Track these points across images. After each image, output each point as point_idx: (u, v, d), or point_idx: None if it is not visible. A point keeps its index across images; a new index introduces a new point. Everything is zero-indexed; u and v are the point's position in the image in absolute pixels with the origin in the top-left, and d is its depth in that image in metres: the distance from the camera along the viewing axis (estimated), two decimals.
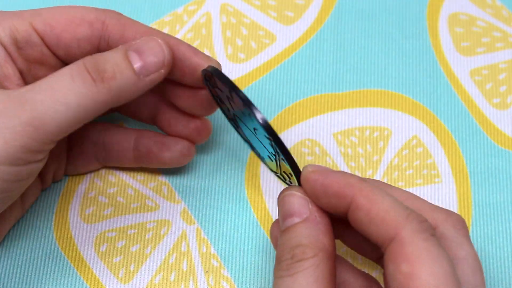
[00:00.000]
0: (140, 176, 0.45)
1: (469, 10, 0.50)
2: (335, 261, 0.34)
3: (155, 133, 0.42)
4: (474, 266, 0.33)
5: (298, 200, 0.35)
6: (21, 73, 0.38)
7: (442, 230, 0.34)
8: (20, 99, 0.34)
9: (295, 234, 0.34)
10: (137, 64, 0.36)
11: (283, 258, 0.34)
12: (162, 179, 0.45)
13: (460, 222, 0.35)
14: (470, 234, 0.43)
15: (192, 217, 0.44)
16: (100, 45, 0.38)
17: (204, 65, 0.38)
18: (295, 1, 0.51)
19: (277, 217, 0.38)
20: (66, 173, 0.44)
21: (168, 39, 0.38)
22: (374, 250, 0.38)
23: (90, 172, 0.45)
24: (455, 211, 0.44)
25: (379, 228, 0.32)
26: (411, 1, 0.51)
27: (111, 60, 0.36)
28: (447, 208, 0.44)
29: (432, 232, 0.32)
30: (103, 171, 0.45)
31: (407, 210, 0.32)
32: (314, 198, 0.35)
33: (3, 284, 0.41)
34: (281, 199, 0.36)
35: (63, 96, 0.34)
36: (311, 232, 0.34)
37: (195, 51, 0.38)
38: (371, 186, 0.33)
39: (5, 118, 0.33)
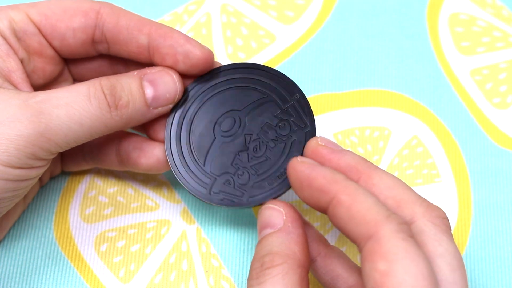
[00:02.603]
0: (140, 176, 0.45)
1: (469, 10, 0.50)
2: (307, 271, 0.34)
3: (137, 137, 0.41)
4: (452, 263, 0.33)
5: (273, 212, 0.36)
6: (22, 63, 0.39)
7: (420, 225, 0.34)
8: (37, 109, 0.35)
9: (266, 243, 0.35)
10: (149, 95, 0.38)
11: (254, 267, 0.34)
12: (162, 178, 0.45)
13: (439, 218, 0.35)
14: (470, 234, 0.43)
15: (192, 217, 0.44)
16: (95, 35, 0.39)
17: (196, 52, 0.39)
18: (295, 1, 0.51)
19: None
20: (62, 169, 0.44)
21: (160, 27, 0.39)
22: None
23: (84, 170, 0.45)
24: (455, 211, 0.44)
25: (358, 225, 0.32)
26: (411, 1, 0.51)
27: (127, 87, 0.37)
28: (446, 208, 0.44)
29: (410, 234, 0.32)
30: (103, 171, 0.45)
31: (388, 211, 0.32)
32: (298, 188, 0.35)
33: (3, 284, 0.41)
34: (259, 212, 0.37)
35: (78, 116, 0.36)
36: (282, 241, 0.34)
37: (188, 38, 0.39)
38: (356, 185, 0.33)
39: (21, 125, 0.34)
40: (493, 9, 0.50)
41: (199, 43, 0.39)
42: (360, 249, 0.32)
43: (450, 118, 0.47)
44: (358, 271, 0.37)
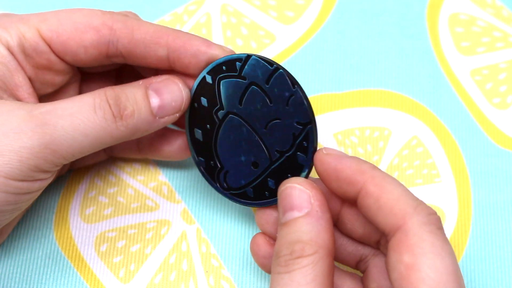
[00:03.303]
0: (140, 176, 0.45)
1: (469, 10, 0.50)
2: (334, 257, 0.34)
3: None
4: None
5: (299, 194, 0.35)
6: (29, 80, 0.38)
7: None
8: (41, 119, 0.34)
9: (295, 229, 0.34)
10: (155, 105, 0.37)
11: (282, 254, 0.33)
12: (162, 179, 0.45)
13: (432, 215, 0.35)
14: (470, 234, 0.43)
15: (192, 217, 0.44)
16: (109, 50, 0.38)
17: (220, 55, 0.38)
18: (295, 1, 0.51)
19: (259, 231, 0.38)
20: (74, 166, 0.44)
21: (177, 36, 0.38)
22: (353, 255, 0.38)
23: (97, 163, 0.45)
24: (455, 211, 0.44)
25: (387, 216, 0.32)
26: (411, 1, 0.51)
27: (132, 97, 0.37)
28: (446, 208, 0.44)
29: (439, 225, 0.32)
30: (103, 171, 0.45)
31: (416, 201, 0.33)
32: (326, 181, 0.35)
33: (3, 284, 0.41)
34: (282, 191, 0.35)
35: (83, 126, 0.35)
36: (312, 228, 0.34)
37: (209, 44, 0.38)
38: (383, 174, 0.34)
39: (25, 137, 0.34)
40: (493, 9, 0.50)
41: (220, 46, 0.38)
42: (388, 239, 0.33)
43: (450, 118, 0.47)
44: (349, 276, 0.38)
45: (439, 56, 0.49)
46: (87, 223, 0.43)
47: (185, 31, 0.49)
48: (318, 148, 0.37)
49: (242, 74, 0.38)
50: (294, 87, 0.37)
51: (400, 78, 0.48)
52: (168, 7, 0.50)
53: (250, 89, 0.38)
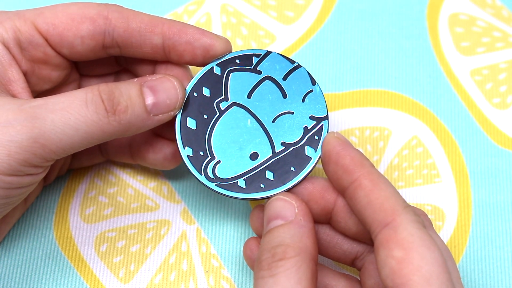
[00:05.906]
0: (140, 176, 0.45)
1: (469, 10, 0.50)
2: (317, 265, 0.34)
3: (150, 133, 0.42)
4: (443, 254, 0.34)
5: (284, 204, 0.36)
6: (25, 74, 0.38)
7: None
8: (31, 113, 0.34)
9: (277, 234, 0.34)
10: (149, 102, 0.37)
11: (263, 257, 0.34)
12: (162, 179, 0.45)
13: (422, 215, 0.36)
14: (470, 234, 0.43)
15: (192, 217, 0.44)
16: (105, 41, 0.38)
17: (215, 43, 0.38)
18: (295, 1, 0.51)
19: (253, 235, 0.38)
20: (71, 166, 0.44)
21: (172, 25, 0.38)
22: (348, 252, 0.38)
23: (95, 164, 0.45)
24: (455, 211, 0.44)
25: (375, 212, 0.33)
26: (411, 1, 0.51)
27: (126, 93, 0.36)
28: (446, 208, 0.44)
29: (428, 224, 0.34)
30: (103, 171, 0.45)
31: (405, 203, 0.33)
32: (326, 162, 0.36)
33: (3, 284, 0.41)
34: (268, 203, 0.36)
35: (74, 121, 0.35)
36: (294, 233, 0.34)
37: (203, 31, 0.39)
38: (380, 174, 0.34)
39: (13, 130, 0.34)
40: (493, 9, 0.50)
41: (215, 34, 0.39)
42: (374, 236, 0.33)
43: (450, 118, 0.47)
44: (344, 277, 0.38)
45: (439, 56, 0.49)
46: (87, 223, 0.43)
47: None
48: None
49: (257, 68, 0.39)
50: (314, 84, 0.39)
51: (400, 78, 0.48)
52: (168, 7, 0.50)
53: (263, 83, 0.39)
